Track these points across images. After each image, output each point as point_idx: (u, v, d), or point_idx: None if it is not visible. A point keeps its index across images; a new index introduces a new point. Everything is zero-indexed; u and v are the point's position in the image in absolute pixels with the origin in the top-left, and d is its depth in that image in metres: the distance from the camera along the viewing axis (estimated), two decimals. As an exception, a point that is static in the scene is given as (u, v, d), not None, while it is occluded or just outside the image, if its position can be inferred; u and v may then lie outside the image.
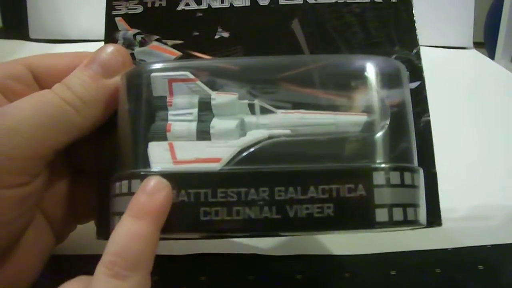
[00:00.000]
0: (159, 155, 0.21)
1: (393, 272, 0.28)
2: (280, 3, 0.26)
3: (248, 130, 0.21)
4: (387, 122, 0.21)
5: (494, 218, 0.34)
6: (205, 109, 0.21)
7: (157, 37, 0.26)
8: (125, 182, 0.21)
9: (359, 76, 0.21)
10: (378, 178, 0.20)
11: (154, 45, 0.26)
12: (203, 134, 0.21)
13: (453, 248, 0.30)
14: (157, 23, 0.26)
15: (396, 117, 0.21)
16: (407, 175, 0.20)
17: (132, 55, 0.26)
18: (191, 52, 0.25)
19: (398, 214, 0.20)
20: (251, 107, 0.21)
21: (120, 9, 0.26)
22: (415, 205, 0.21)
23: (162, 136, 0.21)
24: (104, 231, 0.23)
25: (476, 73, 0.66)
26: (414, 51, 0.25)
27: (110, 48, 0.24)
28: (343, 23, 0.26)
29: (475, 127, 0.48)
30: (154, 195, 0.19)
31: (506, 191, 0.37)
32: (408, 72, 0.24)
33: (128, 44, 0.26)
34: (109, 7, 0.26)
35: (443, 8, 0.65)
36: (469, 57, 0.71)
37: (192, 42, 0.26)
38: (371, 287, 0.27)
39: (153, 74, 0.22)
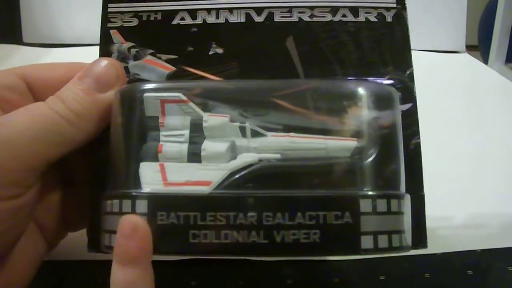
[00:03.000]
0: (150, 176, 0.21)
1: (382, 277, 0.28)
2: (275, 20, 0.26)
3: (239, 153, 0.21)
4: (377, 148, 0.21)
5: (485, 223, 0.35)
6: (197, 130, 0.22)
7: (152, 51, 0.26)
8: (116, 202, 0.21)
9: (350, 102, 0.22)
10: (365, 206, 0.20)
11: (149, 59, 0.26)
12: (194, 156, 0.21)
13: (443, 253, 0.30)
14: (152, 37, 0.26)
15: (386, 143, 0.22)
16: (393, 202, 0.21)
17: (126, 68, 0.26)
18: (185, 67, 0.26)
19: (383, 241, 0.20)
20: (242, 130, 0.22)
21: (115, 22, 0.26)
22: (400, 232, 0.21)
23: (153, 156, 0.21)
24: (96, 244, 0.23)
25: (468, 77, 0.66)
26: (408, 72, 0.25)
27: (104, 62, 0.24)
28: (337, 42, 0.26)
29: (467, 132, 0.48)
30: (131, 238, 0.20)
31: (499, 197, 0.38)
32: (400, 94, 0.25)
33: (123, 57, 0.26)
34: (105, 19, 0.26)
35: (434, 11, 0.64)
36: (461, 61, 0.71)
37: (186, 57, 0.26)
38: None
39: (146, 94, 0.22)
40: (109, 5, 0.26)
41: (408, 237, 0.22)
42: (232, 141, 0.22)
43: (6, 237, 0.22)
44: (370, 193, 0.20)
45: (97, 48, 0.26)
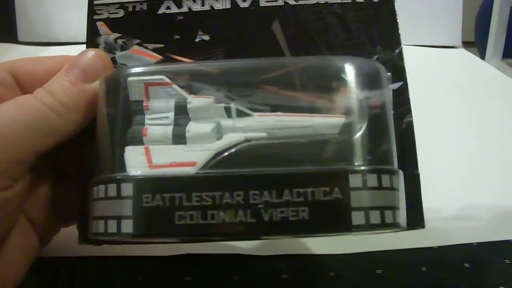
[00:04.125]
0: (135, 160, 0.21)
1: (378, 271, 0.27)
2: (260, 5, 0.26)
3: (225, 133, 0.21)
4: (365, 124, 0.21)
5: (481, 217, 0.34)
6: (182, 113, 0.21)
7: (138, 41, 0.26)
8: (102, 187, 0.21)
9: (337, 78, 0.21)
10: (355, 181, 0.19)
11: (135, 49, 0.26)
12: (179, 138, 0.21)
13: (439, 246, 0.29)
14: (138, 27, 0.26)
15: (375, 119, 0.21)
16: (385, 177, 0.20)
17: (114, 59, 0.26)
18: (172, 55, 0.25)
19: (375, 217, 0.19)
20: (228, 110, 0.21)
21: (101, 14, 0.26)
22: (393, 208, 0.20)
23: (138, 140, 0.21)
24: (86, 236, 0.23)
25: (464, 72, 0.65)
26: (397, 51, 0.25)
27: (91, 52, 0.24)
28: (324, 24, 0.26)
29: (464, 127, 0.48)
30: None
31: (495, 190, 0.37)
32: (390, 73, 0.24)
33: (110, 48, 0.26)
34: (91, 12, 0.26)
35: (430, 6, 0.64)
36: (457, 56, 0.71)
37: (173, 46, 0.26)
38: (356, 286, 0.27)
39: (129, 79, 0.22)
40: None
41: (402, 215, 0.21)
42: (217, 122, 0.21)
43: None
44: (359, 168, 0.20)
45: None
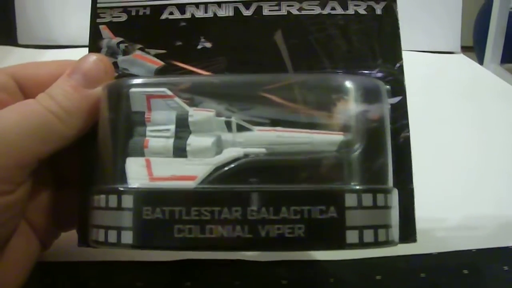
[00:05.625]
0: (136, 171, 0.21)
1: (378, 277, 0.28)
2: (263, 13, 0.26)
3: (225, 147, 0.21)
4: (363, 142, 0.21)
5: (480, 224, 0.35)
6: (183, 125, 0.22)
7: (140, 46, 0.26)
8: (103, 197, 0.21)
9: (337, 96, 0.22)
10: (350, 200, 0.20)
11: (137, 54, 0.26)
12: (180, 151, 0.21)
13: (438, 253, 0.30)
14: (141, 31, 0.26)
15: (373, 137, 0.21)
16: (380, 196, 0.21)
17: (116, 63, 0.26)
18: (174, 62, 0.26)
19: (369, 236, 0.20)
20: (228, 124, 0.22)
21: (104, 17, 0.26)
22: (386, 226, 0.21)
23: (139, 151, 0.21)
24: (86, 239, 0.23)
25: (463, 78, 0.66)
26: (397, 65, 0.25)
27: (93, 57, 0.24)
28: (326, 35, 0.26)
29: (463, 133, 0.48)
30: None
31: (494, 197, 0.38)
32: (389, 87, 0.24)
33: (112, 53, 0.26)
34: (94, 15, 0.26)
35: (430, 12, 0.64)
36: (456, 61, 0.71)
37: (175, 52, 0.26)
38: None
39: (132, 90, 0.22)
40: (98, 0, 0.26)
41: (395, 232, 0.21)
42: (218, 135, 0.21)
43: None
44: (355, 187, 0.20)
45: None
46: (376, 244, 0.20)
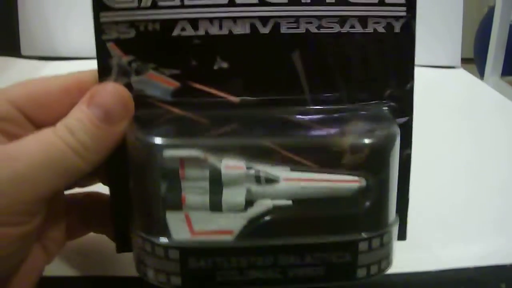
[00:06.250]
0: (178, 226, 0.24)
1: None
2: (281, 31, 0.25)
3: (255, 199, 0.24)
4: (373, 196, 0.24)
5: (478, 241, 0.35)
6: (216, 181, 0.23)
7: (154, 65, 0.25)
8: (149, 244, 0.24)
9: (349, 154, 0.24)
10: (362, 247, 0.24)
11: (151, 73, 0.25)
12: (216, 206, 0.24)
13: (436, 270, 0.31)
14: (152, 49, 0.25)
15: (382, 189, 0.24)
16: (386, 236, 0.25)
17: (129, 84, 0.25)
18: (190, 82, 0.25)
19: (374, 269, 0.25)
20: (257, 178, 0.24)
21: (110, 33, 0.24)
22: (388, 257, 0.25)
23: (177, 206, 0.23)
24: (124, 245, 0.27)
25: (463, 93, 0.65)
26: (408, 86, 0.26)
27: (111, 88, 0.24)
28: (343, 55, 0.26)
29: (462, 149, 0.48)
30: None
31: (492, 214, 0.38)
32: (399, 107, 0.26)
33: (124, 72, 0.25)
34: (99, 31, 0.24)
35: (430, 26, 0.59)
36: (457, 76, 0.70)
37: (191, 72, 0.25)
38: None
39: (165, 153, 0.23)
40: (101, 13, 0.24)
41: (394, 255, 0.26)
42: (248, 187, 0.24)
43: (11, 261, 0.23)
44: (367, 236, 0.24)
45: (95, 62, 0.25)
46: (380, 272, 0.25)
